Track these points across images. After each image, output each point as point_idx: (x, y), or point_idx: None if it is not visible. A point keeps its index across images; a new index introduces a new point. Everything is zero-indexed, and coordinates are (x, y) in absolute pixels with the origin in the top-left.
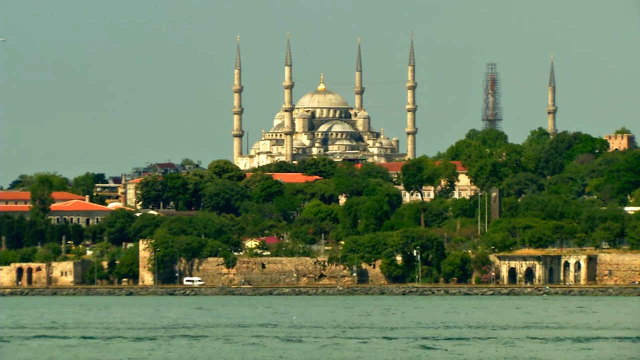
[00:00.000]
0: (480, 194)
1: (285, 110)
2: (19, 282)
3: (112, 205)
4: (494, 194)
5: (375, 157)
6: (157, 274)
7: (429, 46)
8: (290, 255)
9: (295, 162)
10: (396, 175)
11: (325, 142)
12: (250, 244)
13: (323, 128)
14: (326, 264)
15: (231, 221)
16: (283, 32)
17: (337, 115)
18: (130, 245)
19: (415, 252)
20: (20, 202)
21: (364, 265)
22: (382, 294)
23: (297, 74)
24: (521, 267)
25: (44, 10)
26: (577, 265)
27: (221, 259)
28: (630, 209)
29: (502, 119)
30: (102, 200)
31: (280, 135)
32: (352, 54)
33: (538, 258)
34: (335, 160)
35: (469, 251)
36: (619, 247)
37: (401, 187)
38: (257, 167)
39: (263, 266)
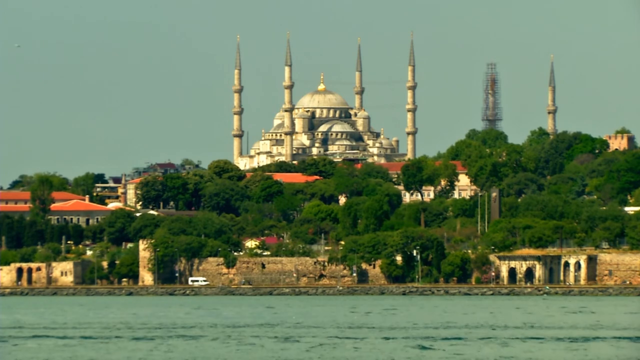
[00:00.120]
0: (480, 194)
1: (285, 110)
2: (19, 282)
3: (112, 205)
4: (494, 194)
5: (375, 157)
6: (157, 274)
7: (429, 46)
8: (290, 255)
9: (295, 162)
10: (396, 175)
11: (325, 142)
12: (250, 244)
13: (323, 128)
14: (326, 264)
15: (231, 221)
16: (283, 32)
17: (337, 115)
18: (130, 245)
19: (415, 252)
20: (20, 202)
21: (364, 265)
22: (382, 294)
23: (297, 74)
24: (521, 267)
25: (44, 10)
26: (577, 265)
27: (221, 259)
28: (630, 209)
29: (502, 119)
30: (102, 200)
31: (280, 135)
32: (352, 54)
33: (538, 258)
34: (335, 160)
35: (469, 251)
36: (619, 247)
37: (401, 187)
38: (257, 167)
39: (263, 266)
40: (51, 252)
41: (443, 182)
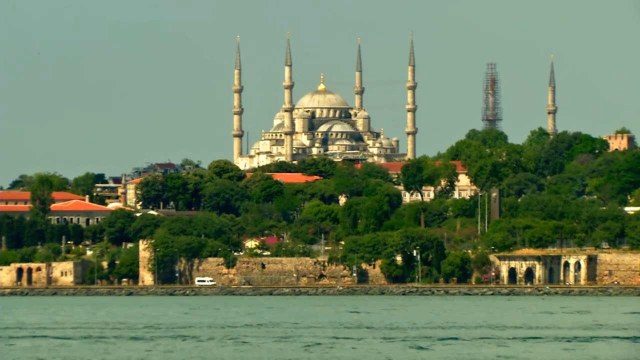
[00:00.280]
0: (480, 194)
1: (285, 110)
2: (19, 282)
3: (112, 205)
4: (494, 194)
5: (375, 157)
6: (157, 274)
7: (429, 46)
8: (290, 256)
9: (295, 162)
10: (396, 175)
11: (325, 142)
12: (250, 244)
13: (323, 128)
14: (326, 264)
15: (231, 221)
16: (283, 32)
17: (337, 115)
18: (130, 245)
19: (415, 252)
20: (20, 202)
21: (364, 266)
22: (382, 294)
23: (297, 74)
24: (521, 267)
25: (44, 10)
26: (577, 266)
27: (221, 259)
28: (630, 209)
29: (502, 119)
30: (102, 201)
31: (280, 135)
32: (352, 54)
33: (538, 258)
34: (335, 160)
35: (469, 251)
36: (619, 247)
37: (401, 187)
38: (257, 167)
39: (263, 266)
40: (51, 252)
41: (443, 182)
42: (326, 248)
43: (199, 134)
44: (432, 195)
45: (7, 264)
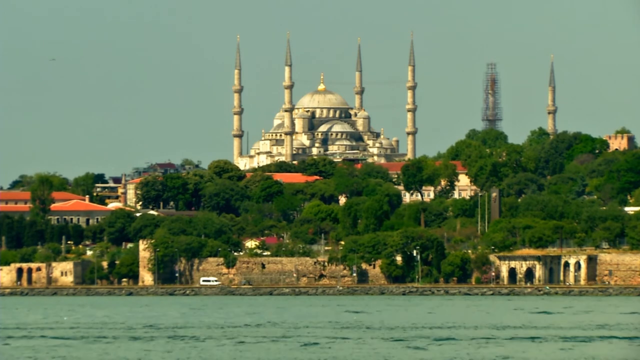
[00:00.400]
0: (480, 194)
1: (285, 110)
2: (19, 282)
3: (112, 205)
4: (494, 194)
5: (375, 157)
6: (157, 274)
7: (429, 46)
8: (290, 256)
9: (295, 162)
10: (396, 176)
11: (325, 142)
12: (250, 244)
13: (323, 128)
14: (326, 264)
15: (231, 221)
16: (283, 32)
17: (337, 115)
18: (130, 245)
19: (415, 252)
20: (20, 202)
21: (364, 266)
22: (382, 294)
23: (297, 74)
24: (521, 267)
25: (44, 11)
26: (577, 266)
27: (221, 259)
28: (630, 209)
29: (502, 119)
30: (102, 201)
31: (280, 135)
32: (352, 54)
33: (538, 258)
34: (335, 160)
35: (469, 251)
36: (619, 247)
37: (401, 187)
38: (257, 167)
39: (263, 266)
40: (51, 252)
41: (443, 182)
42: (326, 248)
43: (199, 134)
44: (432, 195)
45: (7, 264)
